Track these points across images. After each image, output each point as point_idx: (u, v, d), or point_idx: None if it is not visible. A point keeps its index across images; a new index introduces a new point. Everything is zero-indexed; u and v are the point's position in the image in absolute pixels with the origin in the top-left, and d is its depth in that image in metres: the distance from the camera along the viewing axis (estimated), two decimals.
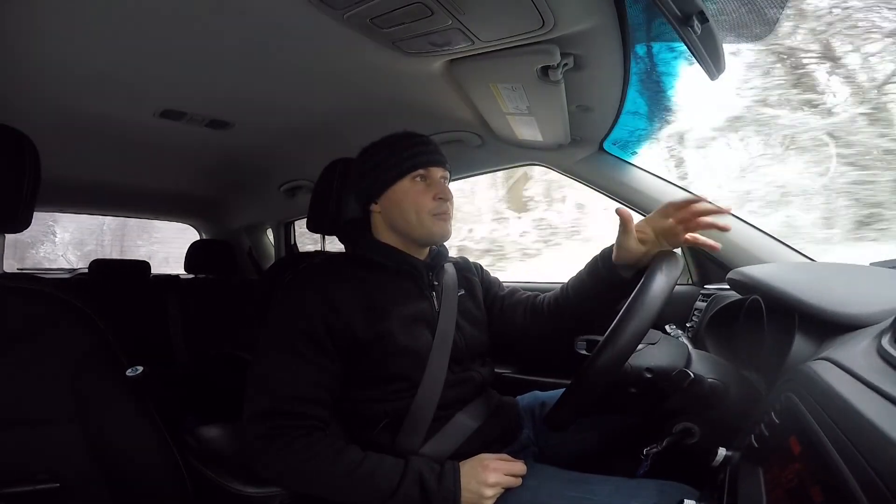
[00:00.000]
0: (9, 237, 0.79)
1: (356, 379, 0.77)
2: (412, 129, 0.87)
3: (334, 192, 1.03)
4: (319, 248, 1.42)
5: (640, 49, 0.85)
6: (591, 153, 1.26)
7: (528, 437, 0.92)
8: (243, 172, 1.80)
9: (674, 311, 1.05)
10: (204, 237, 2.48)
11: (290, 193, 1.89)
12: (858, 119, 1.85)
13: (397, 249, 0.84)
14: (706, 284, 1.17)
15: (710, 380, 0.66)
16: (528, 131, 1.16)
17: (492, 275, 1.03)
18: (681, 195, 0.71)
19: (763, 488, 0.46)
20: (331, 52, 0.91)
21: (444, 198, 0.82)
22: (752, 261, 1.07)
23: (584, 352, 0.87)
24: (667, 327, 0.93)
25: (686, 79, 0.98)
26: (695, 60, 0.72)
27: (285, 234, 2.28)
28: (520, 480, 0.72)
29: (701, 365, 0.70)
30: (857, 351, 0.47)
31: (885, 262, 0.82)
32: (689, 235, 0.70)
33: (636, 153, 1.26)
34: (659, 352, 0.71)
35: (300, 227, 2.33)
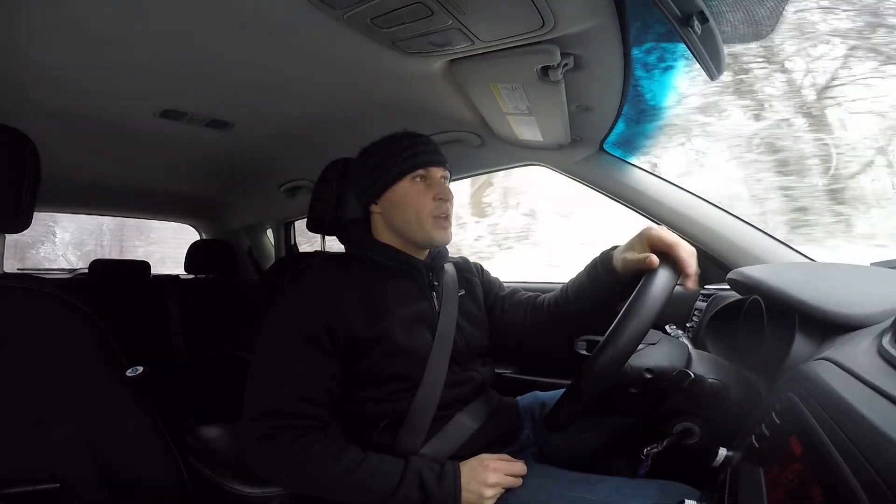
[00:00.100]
0: (9, 237, 0.79)
1: (356, 379, 0.77)
2: (412, 129, 0.87)
3: (334, 192, 1.03)
4: (319, 248, 1.42)
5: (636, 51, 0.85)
6: (591, 153, 1.26)
7: (529, 438, 0.92)
8: (243, 172, 1.80)
9: (674, 311, 1.05)
10: (204, 237, 2.48)
11: (290, 193, 1.89)
12: (790, 124, 1.88)
13: (397, 249, 0.84)
14: (706, 284, 1.17)
15: (710, 380, 0.66)
16: (528, 131, 1.15)
17: (492, 275, 1.03)
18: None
19: (764, 488, 0.45)
20: (331, 52, 0.91)
21: (445, 198, 0.82)
22: (752, 261, 1.07)
23: (584, 352, 0.87)
24: (667, 327, 0.93)
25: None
26: (695, 60, 0.72)
27: (285, 234, 2.28)
28: (520, 481, 0.72)
29: (701, 365, 0.70)
30: (857, 351, 0.47)
31: (885, 262, 0.82)
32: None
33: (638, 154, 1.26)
34: (659, 352, 0.71)
35: (300, 227, 2.33)
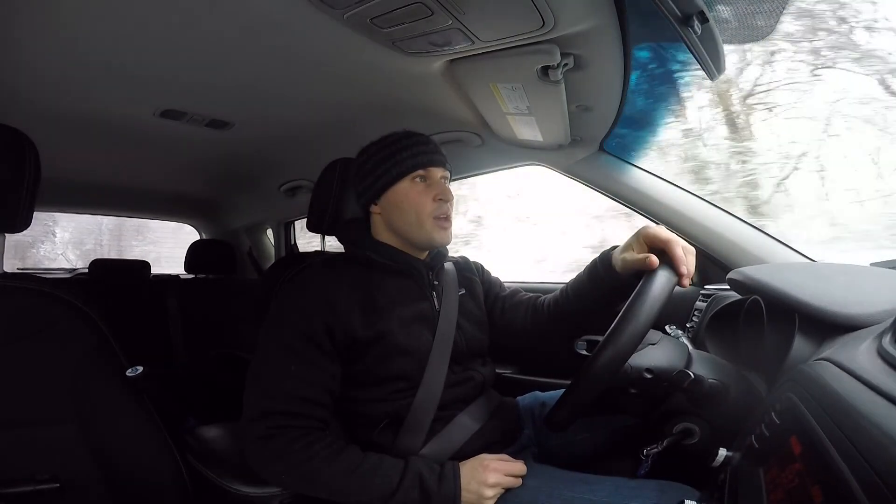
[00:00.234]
0: (9, 237, 0.79)
1: (356, 379, 0.77)
2: (412, 129, 0.87)
3: (334, 192, 1.03)
4: (319, 248, 1.42)
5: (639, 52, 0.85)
6: (591, 153, 1.26)
7: (529, 438, 0.92)
8: (243, 172, 1.80)
9: (674, 311, 1.05)
10: (204, 237, 2.48)
11: (290, 193, 1.89)
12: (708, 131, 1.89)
13: (397, 249, 0.84)
14: (706, 284, 1.17)
15: (710, 380, 0.66)
16: (528, 131, 1.15)
17: (492, 275, 1.03)
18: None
19: (763, 489, 0.45)
20: (331, 52, 0.91)
21: (445, 199, 0.82)
22: (752, 261, 1.07)
23: (584, 352, 0.87)
24: (667, 327, 0.93)
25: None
26: (695, 60, 0.72)
27: (285, 234, 2.28)
28: (520, 481, 0.72)
29: (701, 365, 0.70)
30: (857, 351, 0.47)
31: (885, 262, 0.82)
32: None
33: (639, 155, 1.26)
34: (659, 352, 0.71)
35: (300, 227, 2.33)
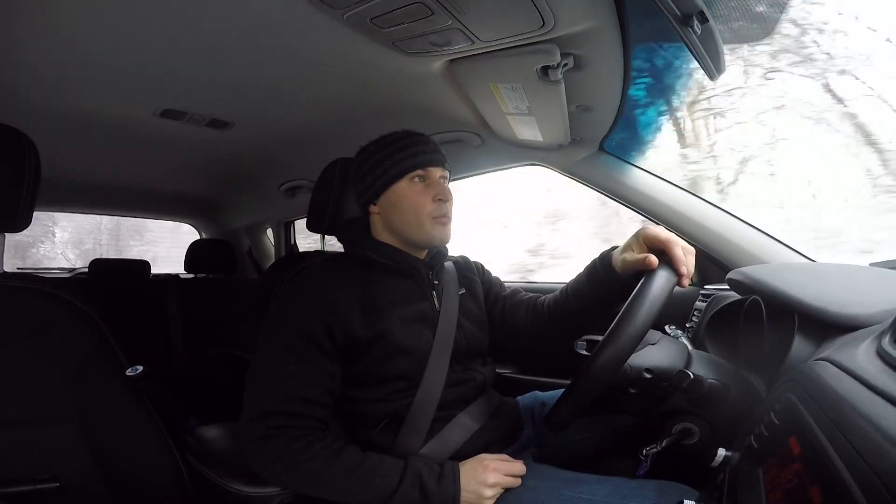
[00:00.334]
0: (9, 237, 0.79)
1: (356, 379, 0.77)
2: (412, 129, 0.87)
3: (334, 192, 1.03)
4: (319, 248, 1.42)
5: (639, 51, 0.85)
6: (591, 153, 1.26)
7: (529, 438, 0.92)
8: (243, 172, 1.80)
9: (674, 311, 1.04)
10: (204, 237, 2.48)
11: (290, 193, 1.89)
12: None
13: (397, 249, 0.84)
14: (706, 284, 1.17)
15: (709, 380, 0.66)
16: (528, 131, 1.16)
17: (492, 275, 1.03)
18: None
19: (762, 489, 0.45)
20: (331, 52, 0.91)
21: (444, 199, 0.82)
22: (752, 261, 1.08)
23: (584, 352, 0.87)
24: (667, 327, 0.93)
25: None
26: (695, 60, 0.72)
27: (285, 234, 2.29)
28: (519, 481, 0.72)
29: (700, 365, 0.70)
30: (856, 351, 0.47)
31: (885, 262, 0.82)
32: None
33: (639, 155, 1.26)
34: (659, 352, 0.71)
35: (300, 226, 2.34)
